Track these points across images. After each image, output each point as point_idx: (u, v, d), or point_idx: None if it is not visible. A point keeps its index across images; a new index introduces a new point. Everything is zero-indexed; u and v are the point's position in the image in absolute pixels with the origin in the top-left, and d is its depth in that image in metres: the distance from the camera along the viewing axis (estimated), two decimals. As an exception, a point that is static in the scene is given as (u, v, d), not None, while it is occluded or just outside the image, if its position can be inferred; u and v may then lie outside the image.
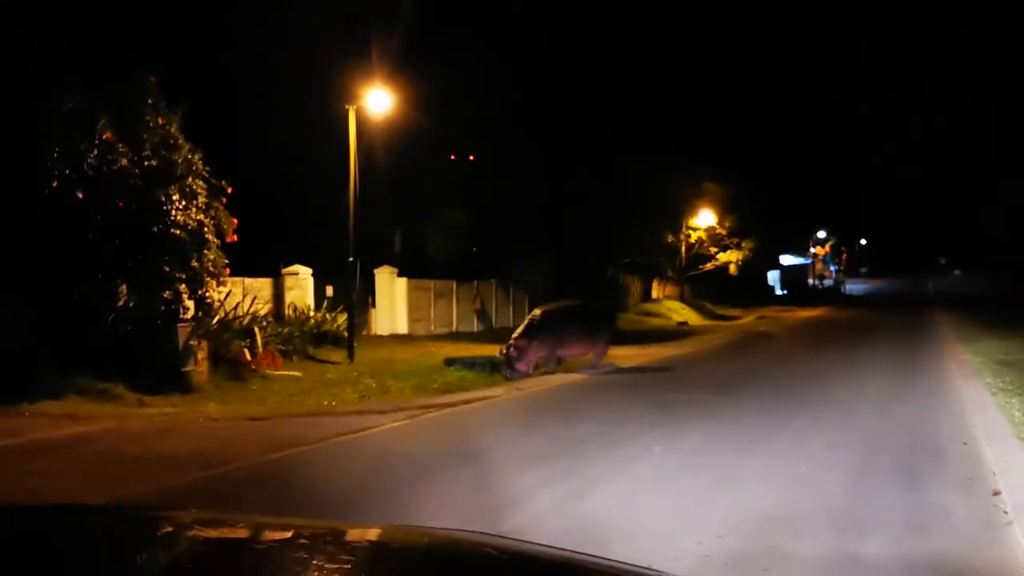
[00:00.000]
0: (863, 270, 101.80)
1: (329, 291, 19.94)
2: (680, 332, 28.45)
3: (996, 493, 6.26)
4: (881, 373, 14.90)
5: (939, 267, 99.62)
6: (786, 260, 73.49)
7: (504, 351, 14.26)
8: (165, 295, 12.25)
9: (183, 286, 12.48)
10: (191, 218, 12.46)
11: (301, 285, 19.70)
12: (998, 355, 15.55)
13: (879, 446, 8.30)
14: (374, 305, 22.63)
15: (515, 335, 14.41)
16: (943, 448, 8.08)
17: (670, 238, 40.46)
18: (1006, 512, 5.77)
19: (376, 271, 22.67)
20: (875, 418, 10.11)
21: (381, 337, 21.68)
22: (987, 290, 55.18)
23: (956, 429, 9.03)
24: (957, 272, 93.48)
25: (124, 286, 12.26)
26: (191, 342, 12.27)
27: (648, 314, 36.93)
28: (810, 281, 77.21)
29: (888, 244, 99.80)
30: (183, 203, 12.41)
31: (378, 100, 16.63)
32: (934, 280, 78.68)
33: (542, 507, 6.16)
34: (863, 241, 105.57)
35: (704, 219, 40.78)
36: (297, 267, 19.74)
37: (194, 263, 12.54)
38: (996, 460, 7.28)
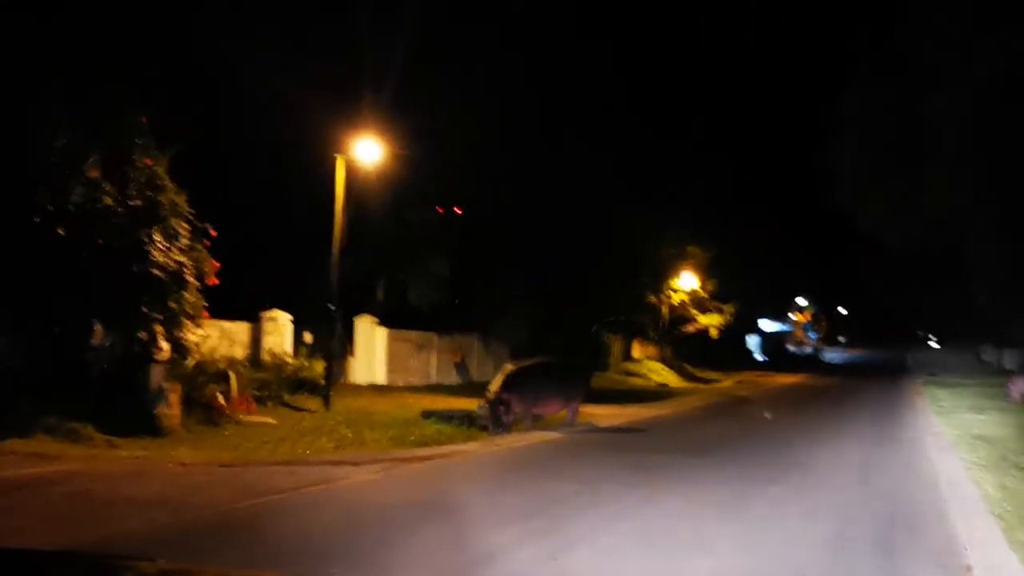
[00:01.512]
0: (842, 339, 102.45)
1: (308, 337, 19.77)
2: (660, 393, 28.42)
3: (969, 569, 6.25)
4: (858, 442, 14.87)
5: (918, 339, 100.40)
6: (766, 326, 73.95)
7: (485, 405, 14.12)
8: (141, 335, 12.10)
9: (160, 327, 12.34)
10: (172, 259, 12.38)
11: (280, 330, 19.54)
12: (973, 429, 15.58)
13: (856, 516, 8.24)
14: (353, 354, 22.46)
15: (494, 389, 14.25)
16: (917, 520, 8.03)
17: (653, 299, 40.67)
18: (978, 587, 5.76)
19: (356, 319, 22.55)
20: (851, 487, 10.06)
21: (359, 386, 21.47)
22: (965, 364, 55.56)
23: (930, 502, 8.97)
24: (936, 345, 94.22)
25: (99, 324, 12.10)
26: (164, 384, 12.08)
27: (629, 374, 36.90)
28: (789, 348, 77.59)
29: (868, 315, 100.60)
30: (165, 244, 12.35)
31: (367, 150, 16.72)
32: (913, 352, 79.27)
33: (517, 565, 6.09)
34: (843, 310, 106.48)
35: (687, 281, 41.09)
36: (276, 312, 19.59)
37: (172, 304, 12.43)
38: (969, 535, 7.25)
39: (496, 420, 13.88)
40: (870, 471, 11.37)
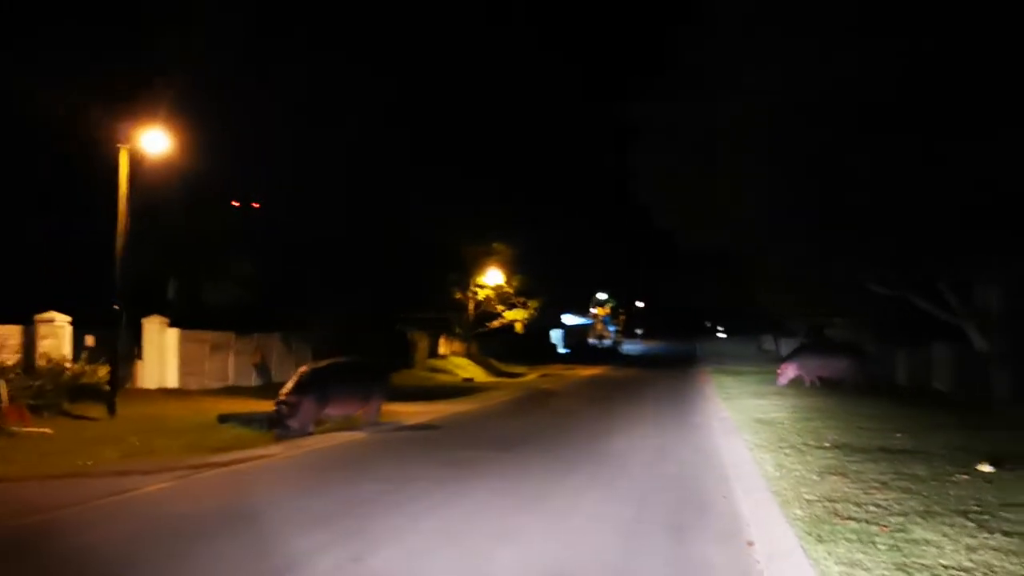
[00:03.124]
0: (639, 332, 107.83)
1: (90, 341, 18.35)
2: (466, 389, 28.69)
3: (750, 544, 6.72)
4: (653, 430, 15.63)
5: (707, 331, 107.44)
6: (569, 320, 76.59)
7: (276, 408, 13.62)
8: None
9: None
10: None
11: (57, 333, 18.00)
12: (755, 413, 16.81)
13: (649, 500, 8.65)
14: (141, 357, 21.09)
15: (285, 392, 13.79)
16: (706, 502, 8.53)
17: (459, 295, 41.01)
18: (758, 562, 6.22)
19: (144, 320, 21.19)
20: (646, 473, 10.53)
21: (149, 391, 20.20)
22: (749, 353, 59.97)
23: (717, 483, 9.57)
24: (723, 335, 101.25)
25: None
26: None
27: (435, 370, 37.02)
28: (591, 341, 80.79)
29: (663, 308, 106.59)
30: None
31: (154, 140, 15.70)
32: (702, 343, 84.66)
33: (320, 571, 5.93)
34: (640, 304, 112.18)
35: (492, 278, 41.73)
36: (53, 314, 18.02)
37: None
38: (751, 512, 7.80)
39: (281, 423, 13.40)
40: (663, 457, 11.94)
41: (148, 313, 21.38)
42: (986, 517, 7.02)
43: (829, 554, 5.96)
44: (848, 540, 6.33)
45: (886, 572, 5.52)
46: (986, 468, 9.33)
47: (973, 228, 15.57)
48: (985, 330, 18.19)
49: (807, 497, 7.98)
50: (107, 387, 15.43)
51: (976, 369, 19.80)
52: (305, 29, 25.76)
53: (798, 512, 7.34)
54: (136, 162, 15.98)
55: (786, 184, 17.29)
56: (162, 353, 21.47)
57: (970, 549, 6.03)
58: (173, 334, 21.71)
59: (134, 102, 17.18)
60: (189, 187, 21.21)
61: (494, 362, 45.13)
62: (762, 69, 17.00)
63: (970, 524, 6.77)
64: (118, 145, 15.48)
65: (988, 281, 18.04)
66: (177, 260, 23.17)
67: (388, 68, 30.68)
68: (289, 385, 13.96)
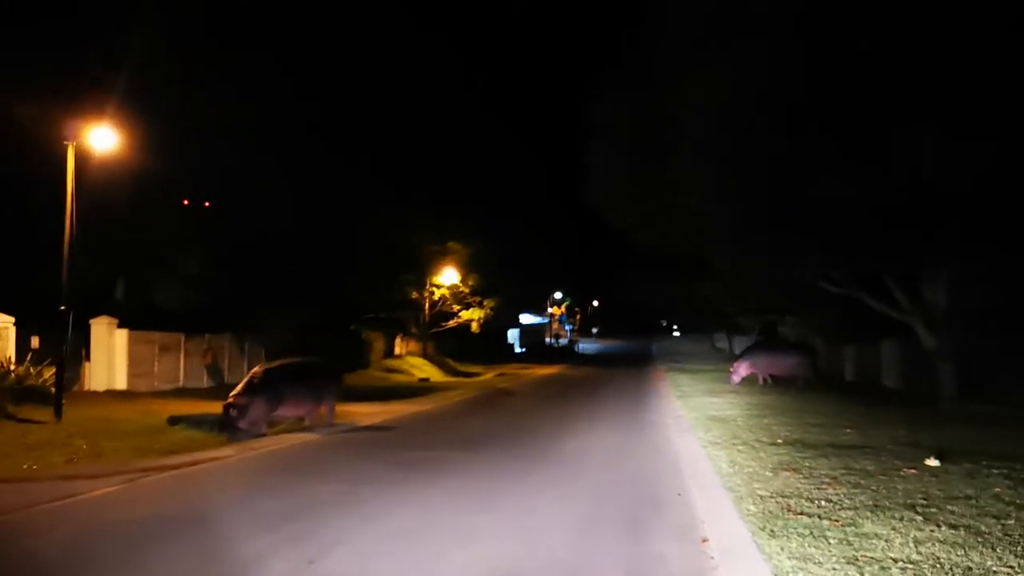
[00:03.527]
0: (595, 330, 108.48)
1: (35, 342, 17.92)
2: (422, 389, 28.58)
3: (704, 540, 6.77)
4: (609, 428, 15.72)
5: (663, 329, 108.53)
6: (526, 319, 76.73)
7: (225, 411, 13.40)
8: None
9: None
10: None
11: (1, 335, 17.53)
12: (709, 411, 17.00)
13: (605, 498, 8.68)
14: (89, 358, 20.64)
15: (234, 393, 13.59)
16: (661, 499, 8.59)
17: (414, 295, 40.80)
18: (712, 557, 6.25)
19: (92, 321, 20.74)
20: (602, 471, 10.57)
21: (97, 393, 19.78)
22: (703, 351, 60.66)
23: (672, 480, 9.64)
24: (678, 334, 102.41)
25: None
26: None
27: (391, 370, 36.81)
28: (547, 340, 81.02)
29: (619, 307, 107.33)
30: None
31: (102, 137, 15.33)
32: (658, 341, 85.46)
33: (274, 573, 5.86)
34: (596, 303, 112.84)
35: (448, 277, 41.60)
36: (-5, 314, 17.57)
37: None
38: (705, 509, 7.86)
39: (230, 425, 13.18)
40: (619, 455, 12.00)
41: (96, 314, 20.94)
42: (933, 510, 7.16)
43: (782, 549, 6.03)
44: (800, 535, 6.41)
45: (837, 566, 5.59)
46: (933, 463, 9.52)
47: (897, 228, 16.08)
48: (932, 327, 18.59)
49: (760, 493, 8.07)
50: (53, 389, 15.06)
51: (923, 366, 20.25)
52: (255, 27, 25.36)
53: (751, 508, 7.41)
54: (83, 160, 15.62)
55: (730, 183, 17.56)
56: (110, 354, 21.03)
57: (918, 542, 6.14)
58: (122, 335, 21.28)
59: (82, 99, 16.81)
60: (138, 186, 20.78)
61: (451, 362, 45.02)
62: (708, 70, 17.29)
63: (918, 517, 6.90)
64: (65, 142, 15.10)
65: (928, 279, 18.44)
66: (126, 260, 22.67)
67: (338, 68, 30.34)
68: (240, 387, 13.77)
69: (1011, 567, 5.50)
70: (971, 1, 14.07)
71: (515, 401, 23.62)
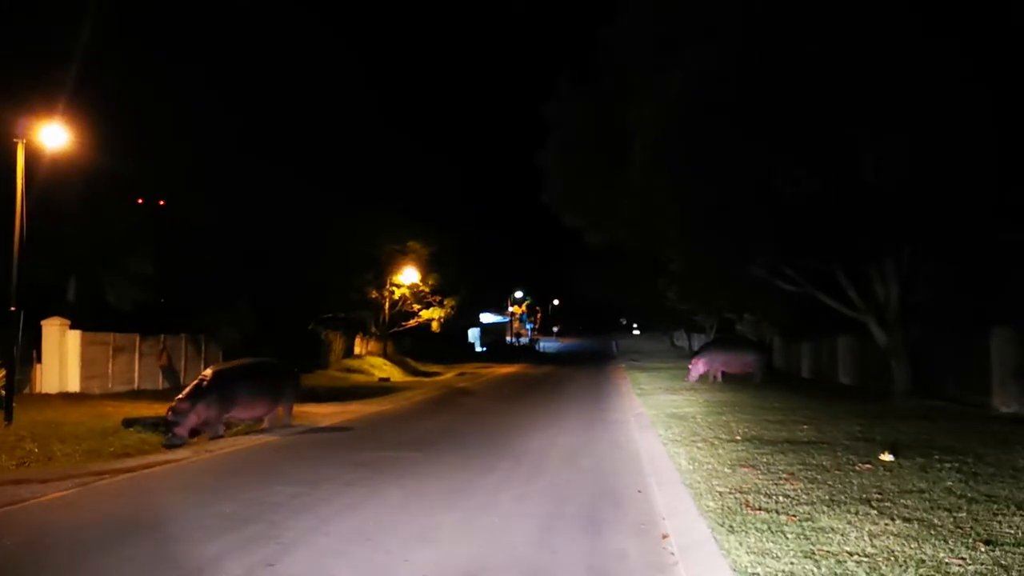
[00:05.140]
0: (556, 329, 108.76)
1: (-16, 345, 17.46)
2: (382, 389, 28.40)
3: (665, 536, 6.83)
4: (570, 426, 15.76)
5: (622, 328, 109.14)
6: (486, 318, 76.71)
7: (166, 415, 13.09)
8: None
9: None
10: None
11: (-52, 337, 17.08)
12: (669, 409, 17.12)
13: (566, 496, 8.70)
14: (40, 361, 20.19)
15: (178, 397, 13.28)
16: (622, 496, 8.64)
17: (374, 294, 40.57)
18: (672, 554, 6.33)
19: (44, 323, 20.32)
20: (563, 469, 10.60)
21: (49, 396, 19.36)
22: (662, 349, 61.11)
23: (633, 478, 9.71)
24: (637, 332, 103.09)
25: None
26: None
27: (350, 370, 36.54)
28: (508, 339, 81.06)
29: (579, 305, 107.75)
30: None
31: (53, 135, 15.00)
32: (618, 339, 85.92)
33: (229, 578, 5.73)
34: (556, 302, 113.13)
35: (408, 276, 41.42)
36: (-58, 317, 17.08)
37: None
38: (666, 505, 7.94)
39: (169, 430, 12.80)
40: (580, 453, 12.03)
41: (48, 315, 20.52)
42: (887, 504, 7.28)
43: (740, 544, 6.09)
44: (758, 530, 6.48)
45: (795, 560, 5.66)
46: (887, 457, 9.69)
47: (842, 224, 16.56)
48: (885, 325, 18.92)
49: (719, 489, 8.14)
50: (3, 392, 14.71)
51: (877, 362, 20.60)
52: (222, 20, 25.04)
53: (711, 504, 7.47)
54: (34, 158, 15.29)
55: (680, 183, 17.80)
56: (63, 356, 20.60)
57: (872, 535, 6.24)
58: (74, 336, 20.85)
59: (31, 96, 16.44)
60: (91, 184, 20.39)
61: (411, 361, 44.85)
62: (661, 75, 17.53)
63: (872, 512, 7.01)
64: (14, 140, 14.78)
65: (880, 278, 18.78)
66: (78, 260, 22.21)
67: (299, 66, 30.12)
68: (185, 391, 13.43)
69: (963, 559, 5.61)
70: (882, 9, 14.64)
71: (475, 400, 23.58)
